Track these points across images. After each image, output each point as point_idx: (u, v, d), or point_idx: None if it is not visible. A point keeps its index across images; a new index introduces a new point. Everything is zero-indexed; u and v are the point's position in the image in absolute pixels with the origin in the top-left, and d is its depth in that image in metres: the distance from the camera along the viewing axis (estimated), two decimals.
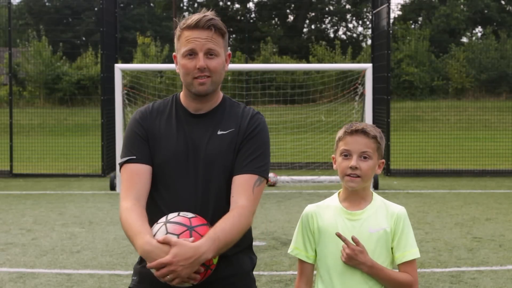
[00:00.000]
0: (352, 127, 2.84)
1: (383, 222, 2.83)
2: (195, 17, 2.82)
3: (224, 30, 2.86)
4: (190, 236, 2.61)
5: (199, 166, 2.84)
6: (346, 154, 2.83)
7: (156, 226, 2.67)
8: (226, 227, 2.68)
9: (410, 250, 2.82)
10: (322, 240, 2.86)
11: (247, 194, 2.81)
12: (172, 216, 2.70)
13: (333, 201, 2.91)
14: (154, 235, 2.63)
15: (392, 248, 2.84)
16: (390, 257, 2.86)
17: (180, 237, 2.59)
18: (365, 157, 2.82)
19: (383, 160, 2.91)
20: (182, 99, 2.94)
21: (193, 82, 2.82)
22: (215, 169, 2.84)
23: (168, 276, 2.55)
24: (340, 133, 2.88)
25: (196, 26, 2.80)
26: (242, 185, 2.82)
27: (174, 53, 2.93)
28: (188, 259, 2.54)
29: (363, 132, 2.83)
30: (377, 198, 2.91)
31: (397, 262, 2.84)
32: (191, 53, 2.81)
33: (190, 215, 2.71)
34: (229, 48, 2.97)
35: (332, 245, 2.83)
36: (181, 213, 2.71)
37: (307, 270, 2.91)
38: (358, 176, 2.81)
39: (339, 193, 2.93)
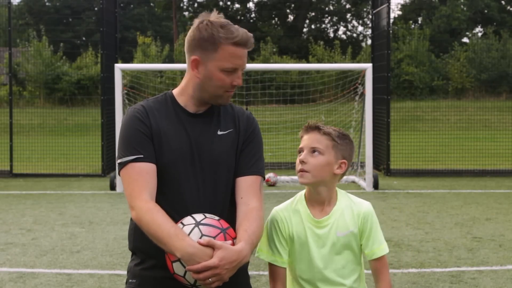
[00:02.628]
0: (306, 124, 2.85)
1: (350, 224, 2.83)
2: (241, 33, 2.76)
3: None
4: (225, 239, 2.62)
5: (205, 166, 2.82)
6: (300, 151, 2.83)
7: (187, 228, 2.63)
8: (255, 230, 2.70)
9: (379, 247, 2.83)
10: (294, 247, 2.85)
11: (256, 195, 2.83)
12: (200, 218, 2.67)
13: (301, 205, 2.87)
14: None
15: (361, 245, 2.85)
16: (358, 256, 2.87)
17: (216, 240, 2.60)
18: (314, 152, 2.79)
19: (345, 161, 2.84)
20: (178, 98, 2.91)
21: (224, 95, 2.82)
22: (220, 170, 2.84)
23: (210, 279, 2.54)
24: (300, 133, 2.89)
25: (244, 44, 2.77)
26: (250, 187, 2.83)
27: (196, 57, 2.81)
28: (232, 263, 2.56)
29: (316, 128, 2.82)
30: (342, 199, 2.87)
31: (368, 258, 2.86)
32: (233, 70, 2.79)
33: (216, 217, 2.71)
34: None
35: (304, 251, 2.83)
36: (208, 215, 2.70)
37: (282, 274, 2.87)
38: (308, 171, 2.79)
39: (305, 194, 2.90)
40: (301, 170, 2.80)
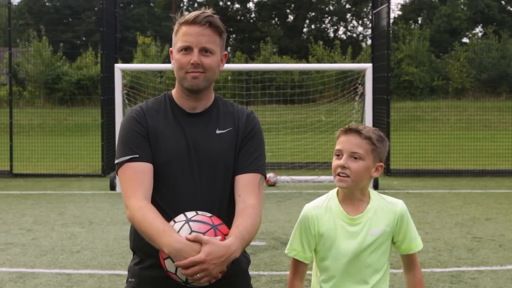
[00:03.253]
0: (347, 126, 2.85)
1: (383, 223, 2.85)
2: (194, 13, 2.82)
3: (222, 29, 2.85)
4: (215, 235, 2.60)
5: (202, 165, 2.83)
6: (338, 154, 2.83)
7: (177, 225, 2.63)
8: (248, 226, 2.68)
9: (415, 243, 2.94)
10: (324, 243, 2.86)
11: (254, 193, 2.82)
12: (191, 214, 2.67)
13: (333, 203, 2.88)
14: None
15: (395, 243, 2.90)
16: (386, 254, 2.90)
17: (205, 236, 2.58)
18: (355, 157, 2.79)
19: (382, 164, 2.86)
20: (175, 98, 2.93)
21: (186, 76, 2.82)
22: (218, 169, 2.84)
23: (198, 275, 2.53)
24: (337, 132, 2.89)
25: (193, 22, 2.80)
26: (248, 185, 2.83)
27: (170, 48, 2.92)
28: (220, 258, 2.54)
29: (357, 131, 2.81)
30: (374, 198, 2.90)
31: (402, 253, 2.94)
32: (187, 49, 2.81)
33: (208, 214, 2.71)
34: (229, 48, 2.96)
35: (334, 248, 2.85)
36: (200, 212, 2.70)
37: (302, 268, 2.92)
38: (348, 176, 2.79)
39: (337, 192, 2.91)
40: (341, 174, 2.80)
